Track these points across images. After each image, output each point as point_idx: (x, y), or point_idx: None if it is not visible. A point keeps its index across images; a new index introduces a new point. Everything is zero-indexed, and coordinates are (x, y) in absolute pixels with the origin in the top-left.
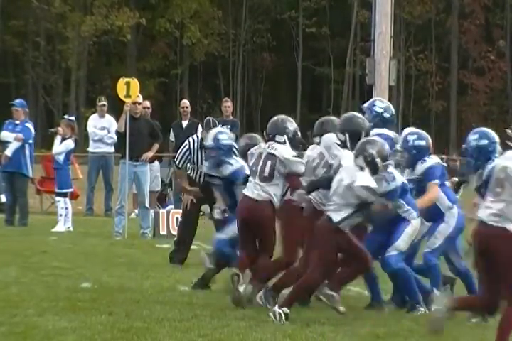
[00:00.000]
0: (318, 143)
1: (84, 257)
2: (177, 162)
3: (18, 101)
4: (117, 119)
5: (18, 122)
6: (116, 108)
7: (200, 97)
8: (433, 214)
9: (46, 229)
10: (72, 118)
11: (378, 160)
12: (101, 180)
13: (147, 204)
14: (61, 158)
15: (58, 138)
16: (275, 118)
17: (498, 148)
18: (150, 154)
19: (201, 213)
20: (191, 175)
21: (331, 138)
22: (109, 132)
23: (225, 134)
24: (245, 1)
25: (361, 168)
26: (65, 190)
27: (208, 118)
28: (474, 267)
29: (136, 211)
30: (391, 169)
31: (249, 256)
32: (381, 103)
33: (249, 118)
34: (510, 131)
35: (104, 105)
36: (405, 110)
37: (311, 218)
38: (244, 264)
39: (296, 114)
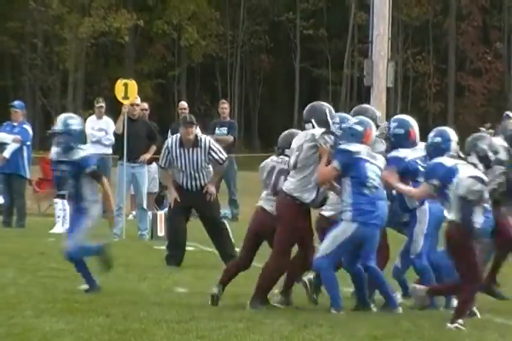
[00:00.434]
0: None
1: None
2: (160, 162)
3: (17, 102)
4: (115, 121)
5: (16, 124)
6: (114, 110)
7: (197, 99)
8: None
9: (44, 231)
10: None
11: (490, 154)
12: None
13: (145, 206)
14: None
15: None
16: (286, 132)
17: (454, 146)
18: (148, 156)
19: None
20: (179, 177)
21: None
22: (107, 134)
23: (75, 119)
24: (243, 2)
25: (475, 166)
26: (63, 192)
27: (184, 115)
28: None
29: (134, 212)
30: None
31: (242, 263)
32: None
33: (246, 120)
34: (483, 130)
35: (101, 107)
36: (403, 112)
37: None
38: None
39: (294, 116)
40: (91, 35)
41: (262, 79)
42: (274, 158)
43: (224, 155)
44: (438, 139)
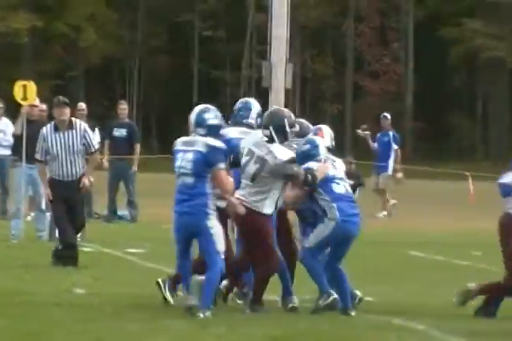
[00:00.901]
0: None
1: None
2: (36, 155)
3: None
4: (14, 122)
5: None
6: (12, 111)
7: (96, 100)
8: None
9: None
10: None
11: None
12: None
13: (43, 207)
14: None
15: None
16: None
17: (322, 150)
18: None
19: (96, 216)
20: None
21: (257, 135)
22: (5, 135)
23: None
24: (141, 3)
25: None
26: None
27: (56, 97)
28: None
29: (33, 214)
30: None
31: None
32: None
33: (145, 121)
34: (360, 131)
35: (0, 108)
36: (301, 113)
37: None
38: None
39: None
40: None
41: (161, 81)
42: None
43: (96, 145)
44: (307, 146)
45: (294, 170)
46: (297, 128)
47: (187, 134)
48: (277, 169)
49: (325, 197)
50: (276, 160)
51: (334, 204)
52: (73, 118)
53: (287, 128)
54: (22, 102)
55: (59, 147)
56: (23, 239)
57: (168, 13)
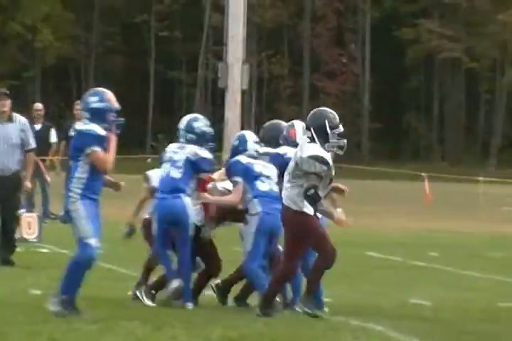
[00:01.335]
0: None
1: None
2: None
3: None
4: None
5: None
6: None
7: (52, 101)
8: None
9: None
10: None
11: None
12: None
13: None
14: None
15: None
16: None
17: (251, 146)
18: None
19: (53, 216)
20: None
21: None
22: None
23: None
24: (97, 4)
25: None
26: None
27: None
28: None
29: None
30: None
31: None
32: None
33: None
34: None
35: None
36: (258, 114)
37: None
38: None
39: (148, 117)
40: None
41: (116, 81)
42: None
43: (33, 144)
44: (236, 142)
45: (317, 168)
46: (341, 129)
47: (144, 134)
48: (301, 164)
49: (249, 194)
50: (302, 154)
51: (255, 200)
52: (14, 113)
53: (328, 130)
54: None
55: None
56: None
57: (124, 14)
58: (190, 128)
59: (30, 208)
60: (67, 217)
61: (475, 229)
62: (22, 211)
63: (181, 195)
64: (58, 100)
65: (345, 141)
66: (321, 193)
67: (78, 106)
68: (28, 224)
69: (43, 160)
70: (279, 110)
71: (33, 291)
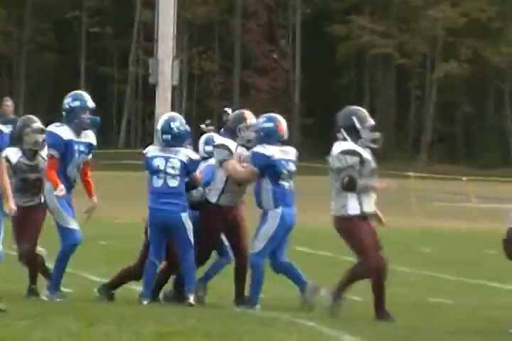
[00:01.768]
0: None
1: None
2: None
3: None
4: None
5: None
6: None
7: None
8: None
9: None
10: None
11: None
12: None
13: None
14: None
15: None
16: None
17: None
18: None
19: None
20: None
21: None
22: None
23: None
24: (29, 0)
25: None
26: None
27: None
28: None
29: None
30: None
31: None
32: None
33: None
34: (203, 126)
35: None
36: (188, 110)
37: None
38: None
39: None
40: None
41: (48, 77)
42: None
43: None
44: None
45: (348, 161)
46: (372, 122)
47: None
48: (333, 163)
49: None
50: (333, 153)
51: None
52: None
53: (358, 126)
54: None
55: None
56: None
57: (56, 10)
58: (167, 129)
59: None
60: None
61: (407, 224)
62: None
63: (179, 202)
64: None
65: (377, 133)
66: (362, 182)
67: (7, 102)
68: None
69: None
70: (210, 106)
71: None
